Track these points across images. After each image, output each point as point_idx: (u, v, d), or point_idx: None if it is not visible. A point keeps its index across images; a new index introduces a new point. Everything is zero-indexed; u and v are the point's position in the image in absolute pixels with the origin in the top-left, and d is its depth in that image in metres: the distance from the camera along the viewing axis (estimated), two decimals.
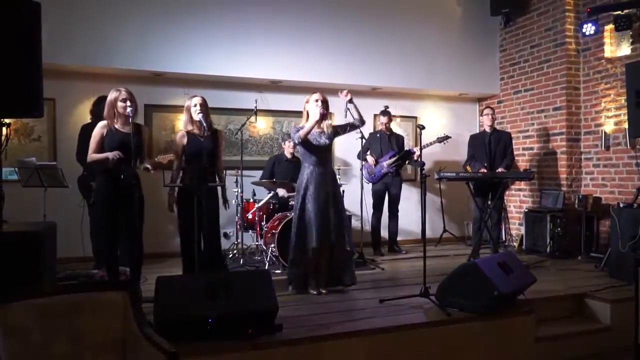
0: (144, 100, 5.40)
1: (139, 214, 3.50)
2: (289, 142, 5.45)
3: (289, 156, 5.48)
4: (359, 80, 6.10)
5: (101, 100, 4.04)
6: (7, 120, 2.83)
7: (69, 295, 2.07)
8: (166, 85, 5.76)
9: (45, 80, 2.66)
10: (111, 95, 3.54)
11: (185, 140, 3.85)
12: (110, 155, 3.42)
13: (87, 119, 5.07)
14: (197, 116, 3.79)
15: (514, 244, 6.40)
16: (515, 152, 6.12)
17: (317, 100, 3.83)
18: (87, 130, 4.45)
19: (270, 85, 6.09)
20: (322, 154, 3.88)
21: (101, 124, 3.56)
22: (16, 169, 4.50)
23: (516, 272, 3.46)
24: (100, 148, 3.51)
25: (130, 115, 3.49)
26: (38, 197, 4.47)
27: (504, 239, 6.54)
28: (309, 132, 3.79)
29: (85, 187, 4.59)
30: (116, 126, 3.54)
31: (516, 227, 6.63)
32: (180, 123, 4.96)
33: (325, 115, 3.81)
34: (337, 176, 4.35)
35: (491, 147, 5.55)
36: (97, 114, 4.45)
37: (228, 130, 5.88)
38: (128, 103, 3.50)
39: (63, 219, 4.19)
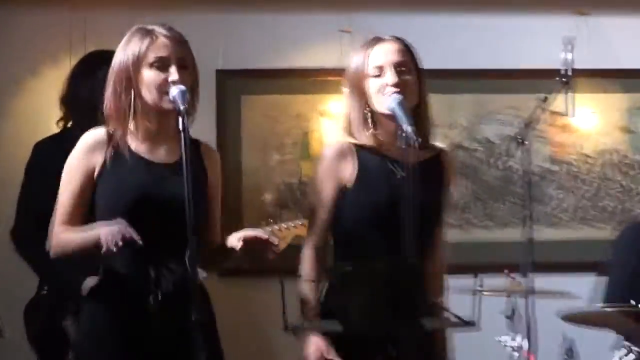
0: (216, 63, 3.88)
1: None
2: None
3: None
4: None
5: (91, 67, 3.14)
6: None
7: None
8: (276, 12, 4.09)
9: None
10: (127, 50, 2.27)
11: (351, 171, 2.60)
12: (104, 236, 2.15)
13: (51, 125, 3.75)
14: (387, 102, 2.40)
15: None
16: None
17: None
18: (45, 156, 3.44)
19: None
20: None
21: (90, 138, 2.34)
22: None
23: None
24: (86, 206, 2.37)
25: (181, 108, 2.12)
26: None
27: None
28: None
29: (46, 336, 3.34)
30: (132, 146, 2.31)
31: None
32: (327, 124, 3.98)
33: None
34: None
35: None
36: (77, 106, 3.28)
37: (484, 141, 4.16)
38: (173, 72, 2.18)
39: None
